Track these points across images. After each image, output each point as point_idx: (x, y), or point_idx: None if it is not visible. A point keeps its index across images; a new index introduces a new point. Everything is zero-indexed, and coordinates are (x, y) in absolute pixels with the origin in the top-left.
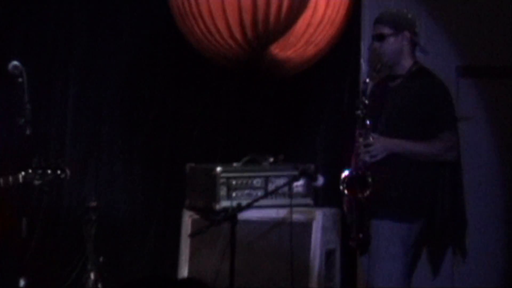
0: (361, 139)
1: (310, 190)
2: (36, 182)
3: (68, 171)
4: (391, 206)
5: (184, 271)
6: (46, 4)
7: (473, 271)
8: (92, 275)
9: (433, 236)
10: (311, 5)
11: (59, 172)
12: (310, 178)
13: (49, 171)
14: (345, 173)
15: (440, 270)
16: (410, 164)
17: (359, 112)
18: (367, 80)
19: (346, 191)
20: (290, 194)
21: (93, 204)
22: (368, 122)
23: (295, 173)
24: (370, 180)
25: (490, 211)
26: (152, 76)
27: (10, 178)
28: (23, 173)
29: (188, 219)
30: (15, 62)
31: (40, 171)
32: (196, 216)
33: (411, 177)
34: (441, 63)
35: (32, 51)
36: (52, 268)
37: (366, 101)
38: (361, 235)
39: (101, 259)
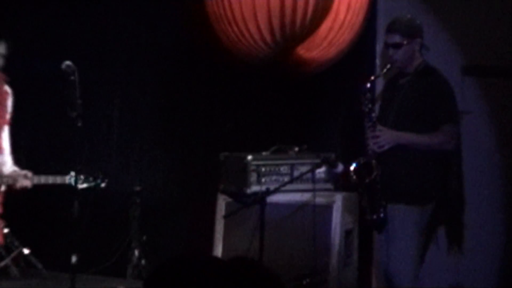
0: (369, 131)
1: (330, 176)
2: (79, 187)
3: (106, 182)
4: (404, 192)
5: (218, 248)
6: (96, 13)
7: (474, 262)
8: (136, 252)
9: (447, 217)
10: (333, 10)
11: (99, 181)
12: (331, 165)
13: (91, 179)
14: (353, 166)
15: (454, 248)
16: (419, 154)
17: (364, 107)
18: (372, 78)
19: (356, 180)
20: (313, 180)
21: (137, 189)
22: (373, 115)
23: (318, 161)
24: (374, 164)
25: (489, 199)
26: (189, 75)
27: (58, 179)
28: (68, 176)
29: (222, 202)
30: (68, 62)
31: (83, 177)
32: (229, 199)
33: (420, 165)
34: (447, 62)
35: (83, 53)
36: (100, 245)
37: (370, 97)
38: (374, 216)
39: (144, 237)
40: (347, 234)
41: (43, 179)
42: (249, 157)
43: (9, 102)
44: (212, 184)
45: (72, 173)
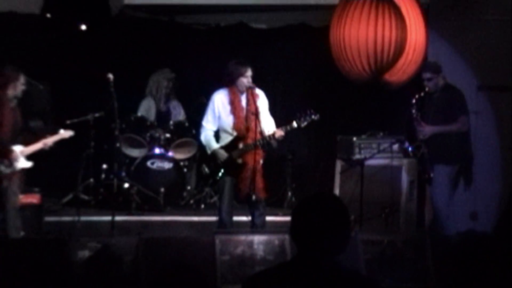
0: (417, 127)
1: (401, 149)
2: (303, 125)
3: (317, 115)
4: (443, 156)
5: (337, 191)
6: (262, 57)
7: (486, 197)
8: (289, 193)
9: (465, 169)
10: (405, 52)
11: (313, 116)
12: (401, 143)
13: (308, 117)
14: (410, 149)
15: (470, 187)
16: (450, 135)
17: (413, 114)
18: (417, 96)
19: (412, 155)
20: (391, 151)
21: (289, 156)
22: (419, 117)
23: (393, 140)
24: (422, 146)
25: (493, 163)
26: (322, 89)
27: (289, 126)
28: (295, 122)
29: (339, 164)
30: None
31: (303, 117)
32: (343, 163)
33: (451, 141)
34: (467, 82)
35: (262, 80)
36: (268, 189)
37: (416, 107)
38: (427, 176)
39: (293, 185)
40: (410, 183)
41: (279, 132)
42: (354, 138)
43: (257, 100)
44: (333, 153)
45: (294, 123)
